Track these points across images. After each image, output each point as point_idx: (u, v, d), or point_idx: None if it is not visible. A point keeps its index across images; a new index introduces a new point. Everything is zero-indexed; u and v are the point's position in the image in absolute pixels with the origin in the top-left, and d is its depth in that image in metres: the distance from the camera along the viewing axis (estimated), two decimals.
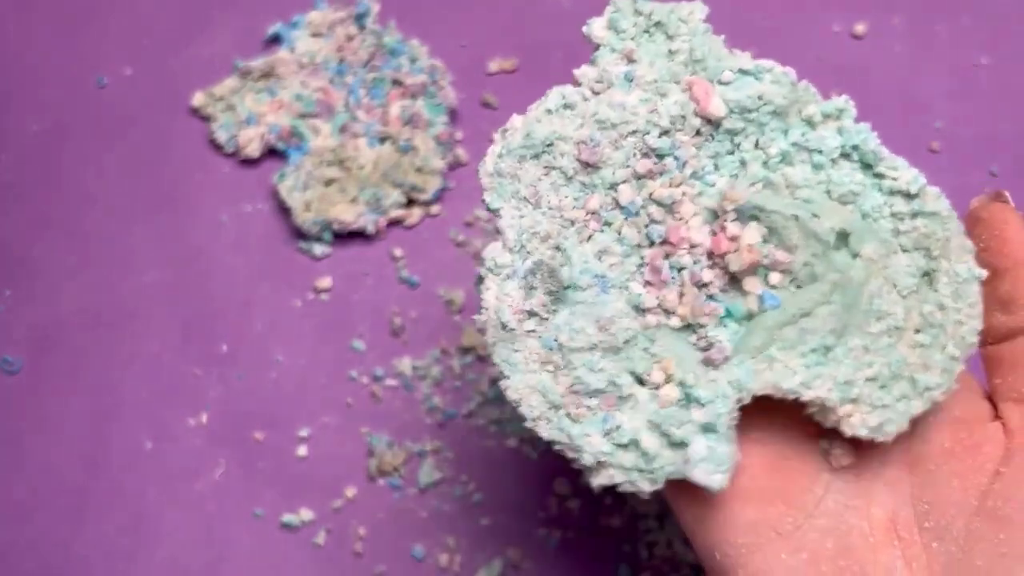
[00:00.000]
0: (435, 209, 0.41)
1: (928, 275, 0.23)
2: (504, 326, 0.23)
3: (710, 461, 0.22)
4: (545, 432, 0.23)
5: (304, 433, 0.38)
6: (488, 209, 0.24)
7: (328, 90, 0.42)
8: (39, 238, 0.41)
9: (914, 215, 0.23)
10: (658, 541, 0.36)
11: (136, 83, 0.44)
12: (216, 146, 0.42)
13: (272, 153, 0.42)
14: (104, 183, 0.42)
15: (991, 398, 0.24)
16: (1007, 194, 0.24)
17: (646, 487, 0.23)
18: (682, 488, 0.23)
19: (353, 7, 0.43)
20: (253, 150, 0.41)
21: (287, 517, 0.37)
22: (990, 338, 0.24)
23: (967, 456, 0.23)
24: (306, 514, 0.37)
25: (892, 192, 0.23)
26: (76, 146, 0.43)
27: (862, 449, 0.24)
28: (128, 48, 0.44)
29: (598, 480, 0.23)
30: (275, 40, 0.43)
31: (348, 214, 0.40)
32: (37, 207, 0.42)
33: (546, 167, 0.23)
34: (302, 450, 0.38)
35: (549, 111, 0.24)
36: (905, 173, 0.23)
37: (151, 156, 0.42)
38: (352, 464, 0.37)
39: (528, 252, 0.23)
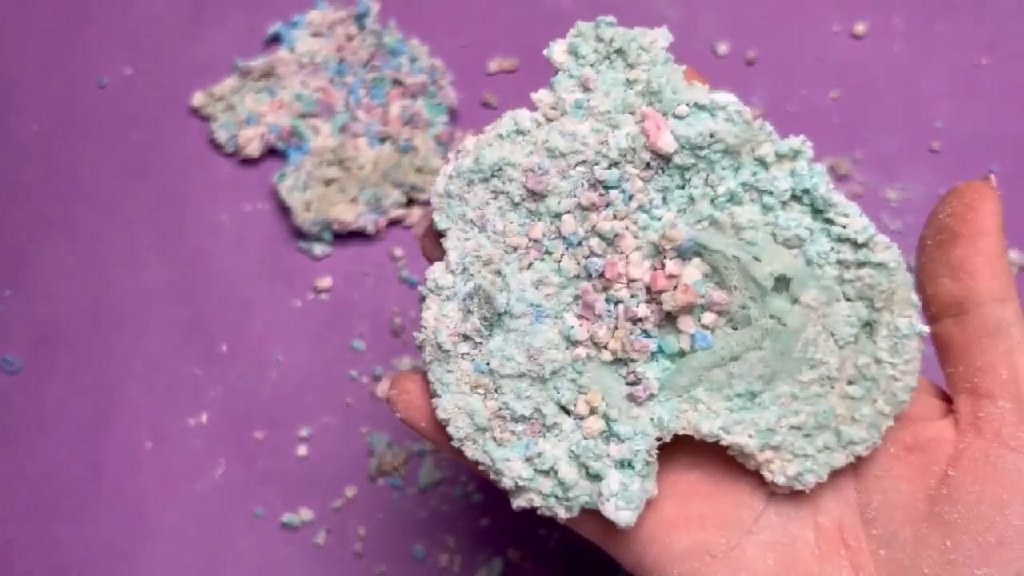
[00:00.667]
0: None
1: (868, 326, 0.22)
2: (440, 347, 0.23)
3: (621, 497, 0.22)
4: (469, 452, 0.23)
5: (304, 433, 0.38)
6: (434, 229, 0.24)
7: (328, 90, 0.42)
8: (39, 238, 0.41)
9: (860, 264, 0.22)
10: None
11: (136, 83, 0.44)
12: (216, 146, 0.42)
13: (272, 153, 0.42)
14: (104, 183, 0.42)
15: (945, 391, 0.24)
16: (993, 179, 0.23)
17: (561, 513, 0.23)
18: (609, 524, 0.23)
19: (353, 7, 0.43)
20: (253, 150, 0.41)
21: (287, 517, 0.37)
22: (937, 310, 0.23)
23: (914, 458, 0.23)
24: (306, 514, 0.37)
25: (840, 239, 0.22)
26: (76, 146, 0.43)
27: None
28: (128, 48, 0.44)
29: (517, 502, 0.23)
30: (275, 40, 0.43)
31: (348, 214, 0.40)
32: (37, 207, 0.42)
33: (494, 192, 0.23)
34: (302, 450, 0.38)
35: (501, 136, 0.23)
36: (856, 221, 0.22)
37: (151, 156, 0.42)
38: (352, 464, 0.37)
39: (470, 275, 0.23)
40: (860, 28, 0.42)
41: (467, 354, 0.23)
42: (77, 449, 0.38)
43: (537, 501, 0.23)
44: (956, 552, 0.22)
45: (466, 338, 0.23)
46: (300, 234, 0.40)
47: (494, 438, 0.23)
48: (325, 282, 0.40)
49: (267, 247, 0.41)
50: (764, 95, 0.41)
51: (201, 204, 0.41)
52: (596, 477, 0.23)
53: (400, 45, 0.42)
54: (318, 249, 0.40)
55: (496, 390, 0.23)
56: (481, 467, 0.24)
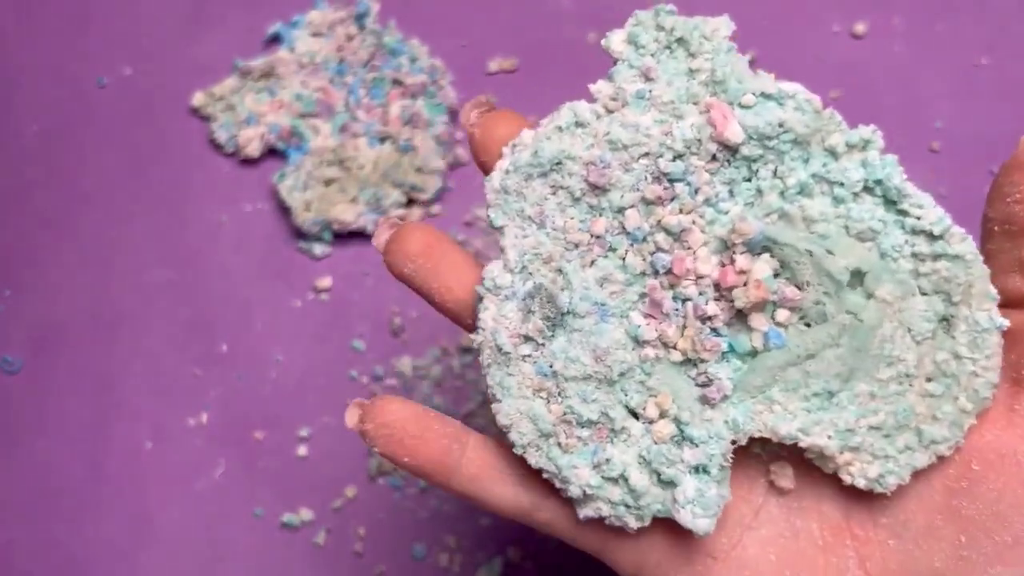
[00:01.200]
0: (435, 209, 0.41)
1: (946, 321, 0.22)
2: (500, 349, 0.22)
3: (698, 504, 0.21)
4: (533, 460, 0.22)
5: (304, 433, 0.38)
6: (491, 226, 0.23)
7: (328, 90, 0.42)
8: (39, 238, 0.41)
9: (936, 257, 0.21)
10: None
11: (136, 83, 0.44)
12: (216, 146, 0.42)
13: (272, 153, 0.42)
14: (104, 183, 0.42)
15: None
16: None
17: (632, 523, 0.22)
18: (609, 533, 0.23)
19: (353, 7, 0.43)
20: (253, 150, 0.41)
21: (287, 517, 0.37)
22: (1005, 301, 0.22)
23: None
24: (306, 514, 0.37)
25: (915, 231, 0.22)
26: (76, 146, 0.43)
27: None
28: (128, 48, 0.44)
29: (584, 512, 0.22)
30: (275, 40, 0.43)
31: (348, 214, 0.40)
32: (37, 207, 0.42)
33: (553, 186, 0.22)
34: (302, 450, 0.38)
35: (560, 128, 0.22)
36: (930, 212, 0.22)
37: (151, 156, 0.42)
38: (352, 464, 0.38)
39: (529, 273, 0.22)
40: (860, 28, 0.42)
41: (529, 356, 0.22)
42: (77, 449, 0.38)
43: (606, 510, 0.22)
44: (970, 548, 0.21)
45: (527, 339, 0.22)
46: (300, 234, 0.40)
47: (559, 444, 0.22)
48: (325, 282, 0.40)
49: (267, 247, 0.41)
50: None
51: (201, 204, 0.41)
52: (669, 483, 0.22)
53: (400, 45, 0.42)
54: (318, 249, 0.40)
55: (560, 394, 0.22)
56: (546, 475, 0.22)
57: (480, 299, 0.23)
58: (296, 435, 0.38)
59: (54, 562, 0.37)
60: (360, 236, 0.40)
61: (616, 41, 0.23)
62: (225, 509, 0.37)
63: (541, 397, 0.22)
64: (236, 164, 0.42)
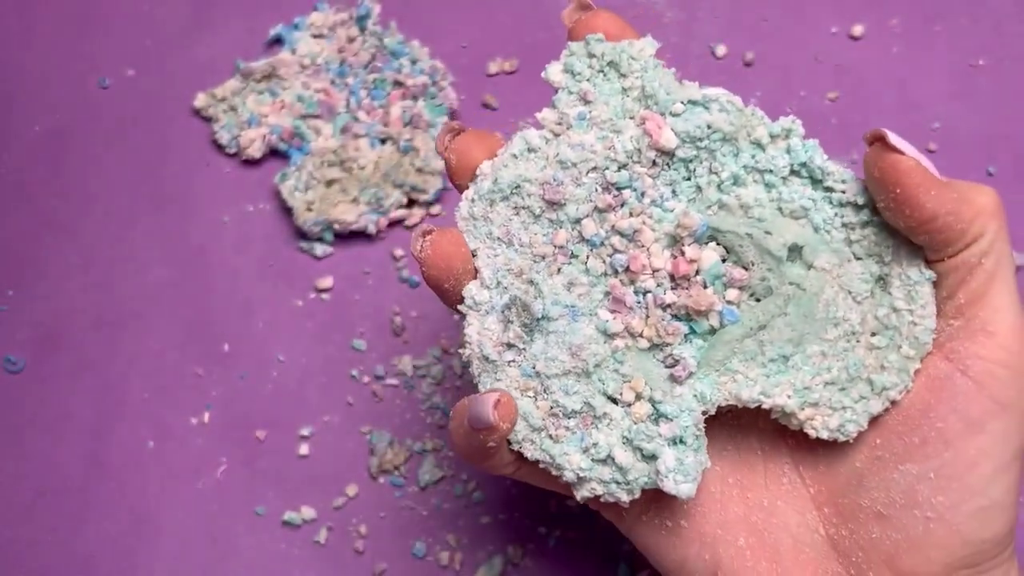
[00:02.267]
0: (436, 209, 0.41)
1: (882, 280, 0.24)
2: (486, 359, 0.25)
3: (679, 472, 0.23)
4: (529, 453, 0.25)
5: (305, 432, 0.38)
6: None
7: (329, 91, 0.42)
8: (42, 238, 0.42)
9: (864, 224, 0.24)
10: None
11: (138, 84, 0.44)
12: (218, 147, 0.42)
13: (274, 154, 0.42)
14: (106, 183, 0.42)
15: None
16: (889, 135, 0.23)
17: (624, 497, 0.24)
18: (650, 513, 0.26)
19: (354, 9, 0.43)
20: (255, 151, 0.42)
21: (288, 515, 0.37)
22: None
23: None
24: (307, 512, 0.37)
25: (842, 204, 0.24)
26: (79, 147, 0.43)
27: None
28: (130, 49, 0.44)
29: (581, 493, 0.24)
30: (277, 41, 0.44)
31: (349, 214, 0.40)
32: (40, 207, 0.42)
33: (515, 208, 0.25)
34: (303, 449, 0.38)
35: (515, 156, 0.25)
36: (852, 185, 0.24)
37: (153, 157, 0.43)
38: (353, 463, 0.38)
39: (504, 288, 0.25)
40: (858, 29, 0.42)
41: (513, 361, 0.25)
42: (79, 448, 0.38)
43: (599, 489, 0.24)
44: (883, 449, 0.24)
45: (510, 346, 0.25)
46: (301, 234, 0.41)
47: (550, 436, 0.24)
48: (326, 282, 0.40)
49: (269, 247, 0.41)
50: (762, 96, 0.41)
51: (203, 204, 0.42)
52: (652, 457, 0.24)
53: (401, 47, 0.42)
54: (319, 249, 0.40)
55: (545, 390, 0.24)
56: (542, 465, 0.25)
57: (463, 317, 0.25)
58: (297, 434, 0.38)
59: (56, 561, 0.37)
60: (361, 236, 0.41)
61: (554, 72, 0.26)
62: (227, 508, 0.37)
63: (529, 396, 0.25)
64: (238, 165, 0.42)
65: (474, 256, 0.25)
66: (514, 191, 0.25)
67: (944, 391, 0.24)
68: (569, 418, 0.24)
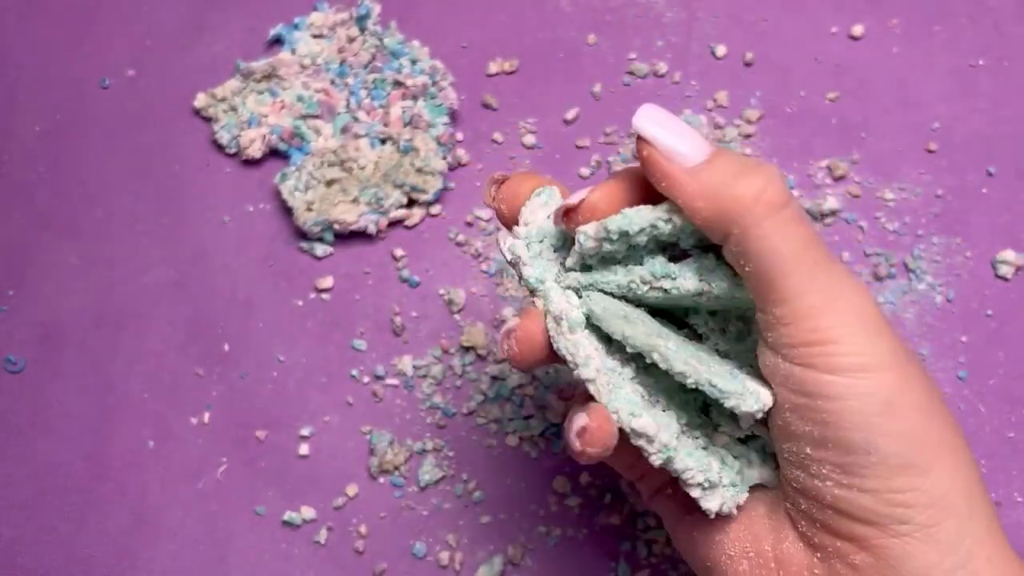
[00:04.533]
0: (435, 209, 0.41)
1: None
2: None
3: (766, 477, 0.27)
4: (678, 463, 0.26)
5: (306, 432, 0.38)
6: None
7: (329, 91, 0.42)
8: (42, 238, 0.42)
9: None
10: (657, 539, 0.36)
11: (139, 84, 0.44)
12: (218, 147, 0.42)
13: (274, 154, 0.42)
14: (107, 184, 0.42)
15: None
16: (636, 119, 0.24)
17: (741, 500, 0.26)
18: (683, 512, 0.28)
19: (354, 9, 0.43)
20: (255, 151, 0.42)
21: (289, 515, 0.37)
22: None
23: None
24: (307, 512, 0.37)
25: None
26: (79, 147, 0.43)
27: None
28: (131, 50, 0.44)
29: (709, 504, 0.26)
30: (277, 42, 0.44)
31: (349, 214, 0.40)
32: (40, 207, 0.42)
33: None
34: (303, 449, 0.38)
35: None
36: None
37: (154, 157, 0.43)
38: (353, 463, 0.38)
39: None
40: (858, 30, 0.42)
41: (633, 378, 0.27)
42: (80, 448, 0.38)
43: (727, 496, 0.26)
44: (771, 427, 0.25)
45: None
46: (302, 234, 0.41)
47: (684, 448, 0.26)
48: (326, 282, 0.40)
49: (269, 247, 0.41)
50: (762, 96, 0.41)
51: (203, 204, 0.42)
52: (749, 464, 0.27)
53: (401, 47, 0.42)
54: (319, 249, 0.40)
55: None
56: (687, 474, 0.26)
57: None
58: (297, 434, 0.38)
59: (57, 560, 0.37)
60: (361, 236, 0.41)
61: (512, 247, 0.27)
62: (227, 507, 0.37)
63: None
64: (238, 165, 0.42)
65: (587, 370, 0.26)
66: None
67: (778, 378, 0.24)
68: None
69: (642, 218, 0.24)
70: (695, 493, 0.25)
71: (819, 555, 0.24)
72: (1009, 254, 0.38)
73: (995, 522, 0.24)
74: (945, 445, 0.23)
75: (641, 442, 0.25)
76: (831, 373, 0.23)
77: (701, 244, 0.25)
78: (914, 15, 0.42)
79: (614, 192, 0.25)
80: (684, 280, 0.25)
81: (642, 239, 0.25)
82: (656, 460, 0.25)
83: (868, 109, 0.41)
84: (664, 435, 0.25)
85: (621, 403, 0.25)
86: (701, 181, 0.23)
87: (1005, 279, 0.38)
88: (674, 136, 0.24)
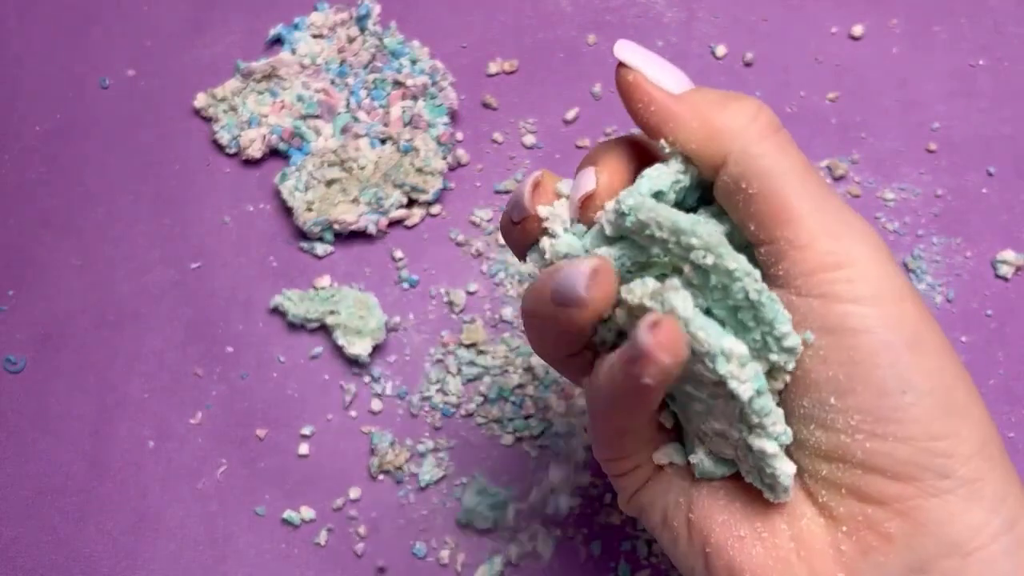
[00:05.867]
0: (436, 209, 0.41)
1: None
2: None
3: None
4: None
5: (306, 432, 0.38)
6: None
7: (330, 91, 0.42)
8: (42, 238, 0.42)
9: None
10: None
11: (139, 84, 0.44)
12: (218, 147, 0.42)
13: (274, 154, 0.42)
14: (107, 183, 0.42)
15: None
16: (617, 47, 0.23)
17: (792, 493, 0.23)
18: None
19: (354, 9, 0.43)
20: (255, 151, 0.42)
21: (288, 515, 0.37)
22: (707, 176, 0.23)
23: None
24: (307, 512, 0.37)
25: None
26: (79, 146, 0.43)
27: None
28: (131, 49, 0.44)
29: (784, 497, 0.23)
30: (277, 42, 0.44)
31: (349, 214, 0.40)
32: (40, 207, 0.42)
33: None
34: (304, 449, 0.38)
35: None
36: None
37: (154, 157, 0.43)
38: (353, 463, 0.38)
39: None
40: (858, 30, 0.42)
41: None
42: (80, 447, 0.38)
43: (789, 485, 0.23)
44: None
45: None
46: (302, 234, 0.41)
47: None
48: (326, 282, 0.40)
49: (269, 247, 0.41)
50: (762, 96, 0.41)
51: (203, 205, 0.42)
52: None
53: (401, 47, 0.42)
54: (320, 249, 0.40)
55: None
56: (768, 419, 0.22)
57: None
58: (298, 434, 0.38)
59: (57, 560, 0.37)
60: (361, 236, 0.41)
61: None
62: (227, 507, 0.37)
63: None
64: (238, 165, 0.42)
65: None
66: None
67: (794, 319, 0.22)
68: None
69: (666, 175, 0.23)
70: (771, 449, 0.22)
71: (845, 528, 0.21)
72: (1009, 254, 0.38)
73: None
74: (973, 395, 0.21)
75: (730, 367, 0.21)
76: (854, 302, 0.21)
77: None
78: (914, 15, 0.42)
79: (616, 166, 0.24)
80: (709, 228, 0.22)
81: (671, 197, 0.23)
82: (746, 392, 0.21)
83: (868, 109, 0.41)
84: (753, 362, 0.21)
85: (704, 320, 0.21)
86: (692, 103, 0.22)
87: (1005, 279, 0.38)
88: (657, 66, 0.23)
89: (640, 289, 0.22)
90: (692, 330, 0.21)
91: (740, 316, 0.22)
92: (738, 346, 0.21)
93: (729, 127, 0.22)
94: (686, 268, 0.22)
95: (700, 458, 0.24)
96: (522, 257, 0.26)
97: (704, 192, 0.24)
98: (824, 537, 0.22)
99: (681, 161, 0.23)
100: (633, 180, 0.24)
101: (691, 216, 0.22)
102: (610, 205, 0.23)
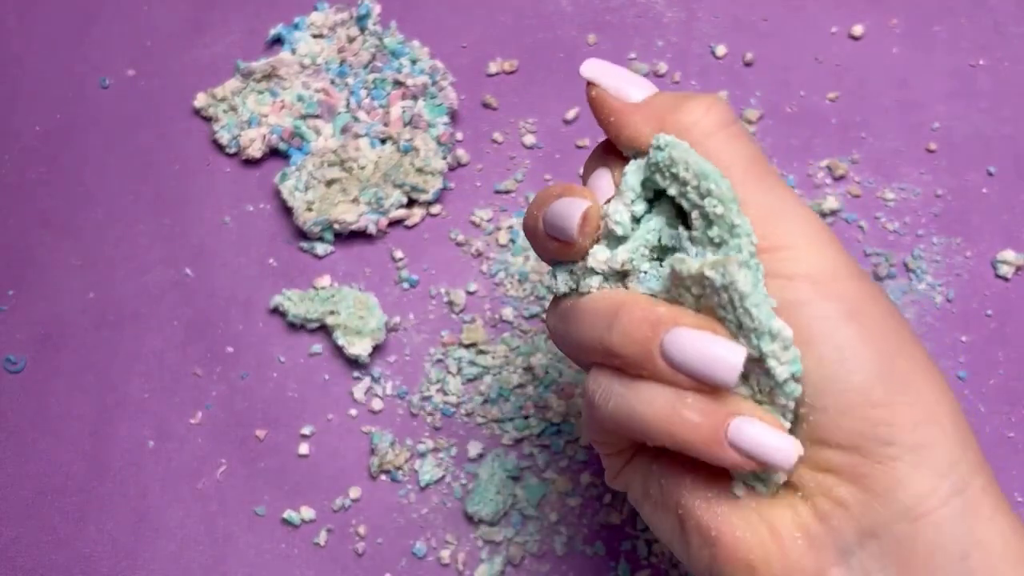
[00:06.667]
0: (436, 209, 0.41)
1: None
2: None
3: None
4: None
5: (306, 431, 0.38)
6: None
7: (330, 91, 0.42)
8: (42, 238, 0.42)
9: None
10: (657, 539, 0.36)
11: (139, 84, 0.44)
12: (218, 146, 0.42)
13: (274, 154, 0.42)
14: (107, 183, 0.42)
15: None
16: (584, 66, 0.25)
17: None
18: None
19: (354, 9, 0.43)
20: (255, 151, 0.42)
21: (289, 515, 0.37)
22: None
23: None
24: (307, 512, 0.37)
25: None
26: (79, 147, 0.43)
27: None
28: (131, 49, 0.44)
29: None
30: (277, 41, 0.44)
31: (349, 214, 0.40)
32: (40, 207, 0.42)
33: None
34: (304, 448, 0.38)
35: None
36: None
37: (154, 157, 0.43)
38: (354, 462, 0.38)
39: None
40: (858, 29, 0.42)
41: None
42: (80, 448, 0.38)
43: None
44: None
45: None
46: (302, 234, 0.41)
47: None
48: (326, 282, 0.40)
49: (269, 247, 0.41)
50: (762, 96, 0.41)
51: (203, 204, 0.42)
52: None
53: (401, 46, 0.42)
54: (320, 249, 0.40)
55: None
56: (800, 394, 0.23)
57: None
58: (298, 434, 0.38)
59: (57, 560, 0.37)
60: (361, 236, 0.41)
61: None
62: (226, 507, 0.37)
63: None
64: (238, 165, 0.42)
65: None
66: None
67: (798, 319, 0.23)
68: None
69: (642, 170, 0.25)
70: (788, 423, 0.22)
71: (801, 494, 0.22)
72: (1009, 254, 0.38)
73: (983, 457, 0.22)
74: (920, 364, 0.22)
75: (773, 346, 0.21)
76: (789, 279, 0.22)
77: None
78: (914, 15, 0.42)
79: (605, 179, 0.25)
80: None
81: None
82: (783, 374, 0.22)
83: (868, 109, 0.41)
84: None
85: (759, 298, 0.22)
86: (648, 109, 0.24)
87: (1005, 279, 0.38)
88: (619, 78, 0.25)
89: (696, 261, 0.23)
90: (747, 305, 0.21)
91: None
92: (786, 329, 0.22)
93: (679, 124, 0.23)
94: (694, 215, 0.23)
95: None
96: (550, 261, 0.26)
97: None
98: (783, 499, 0.23)
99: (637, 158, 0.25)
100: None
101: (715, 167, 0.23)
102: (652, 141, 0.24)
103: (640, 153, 0.25)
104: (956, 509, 0.21)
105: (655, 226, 0.25)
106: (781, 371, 0.22)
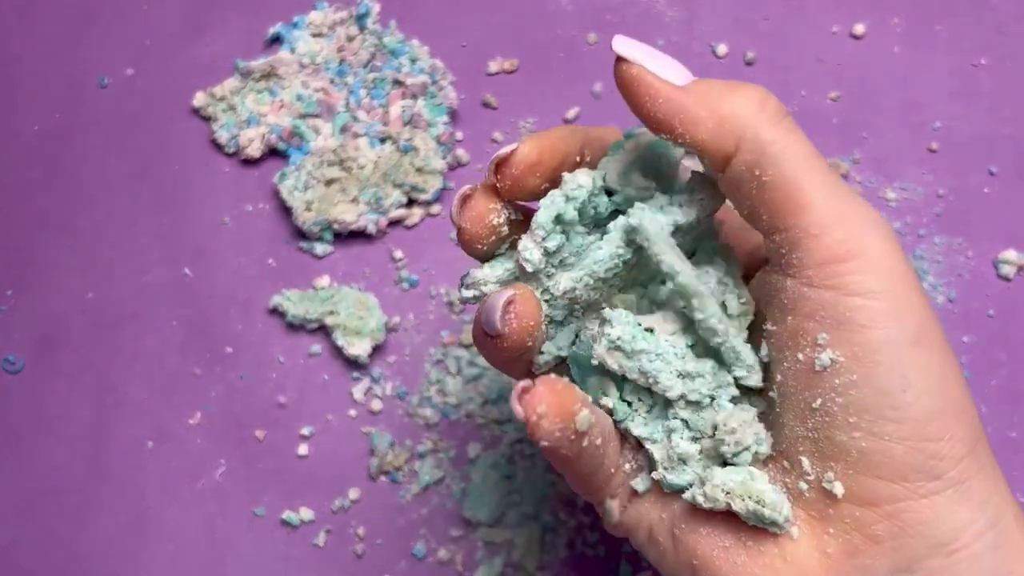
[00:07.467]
0: (435, 209, 0.41)
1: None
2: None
3: None
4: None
5: (305, 432, 0.38)
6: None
7: (329, 90, 0.42)
8: (41, 238, 0.42)
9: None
10: None
11: (138, 83, 0.44)
12: (217, 146, 0.42)
13: (273, 153, 0.42)
14: (106, 183, 0.42)
15: None
16: (616, 42, 0.23)
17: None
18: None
19: (354, 7, 0.43)
20: (254, 150, 0.42)
21: (288, 516, 0.37)
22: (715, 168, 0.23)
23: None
24: (307, 513, 0.37)
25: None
26: (78, 146, 0.43)
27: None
28: (130, 48, 0.44)
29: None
30: (276, 40, 0.44)
31: (349, 214, 0.40)
32: (39, 207, 0.42)
33: None
34: (303, 449, 0.38)
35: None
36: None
37: (153, 156, 0.42)
38: (353, 463, 0.38)
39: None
40: (859, 29, 0.42)
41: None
42: (79, 448, 0.38)
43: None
44: (786, 398, 0.22)
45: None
46: (301, 234, 0.41)
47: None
48: (326, 282, 0.40)
49: (268, 247, 0.41)
50: None
51: (202, 204, 0.42)
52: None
53: (400, 46, 0.42)
54: (319, 249, 0.40)
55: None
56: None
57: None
58: (297, 434, 0.38)
59: (56, 561, 0.37)
60: (361, 236, 0.40)
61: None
62: (226, 508, 0.37)
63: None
64: (237, 164, 0.42)
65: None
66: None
67: (802, 309, 0.22)
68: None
69: (559, 201, 0.24)
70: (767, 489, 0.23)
71: (832, 530, 0.21)
72: (1011, 254, 0.38)
73: (1007, 486, 0.22)
74: (964, 394, 0.21)
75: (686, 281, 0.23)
76: (863, 296, 0.21)
77: (618, 209, 0.25)
78: (916, 14, 0.42)
79: (550, 144, 0.24)
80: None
81: (574, 216, 0.24)
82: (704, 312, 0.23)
83: (869, 109, 0.41)
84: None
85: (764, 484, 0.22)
86: (698, 93, 0.22)
87: (1007, 279, 0.38)
88: (658, 59, 0.22)
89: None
90: (655, 251, 0.23)
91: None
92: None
93: (739, 114, 0.22)
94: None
95: (661, 474, 0.24)
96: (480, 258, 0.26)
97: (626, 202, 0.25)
98: (810, 540, 0.22)
99: (588, 175, 0.24)
100: (561, 161, 0.25)
101: (687, 265, 0.23)
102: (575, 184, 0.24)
103: (554, 186, 0.24)
104: (989, 542, 0.21)
105: (603, 256, 0.24)
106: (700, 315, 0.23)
